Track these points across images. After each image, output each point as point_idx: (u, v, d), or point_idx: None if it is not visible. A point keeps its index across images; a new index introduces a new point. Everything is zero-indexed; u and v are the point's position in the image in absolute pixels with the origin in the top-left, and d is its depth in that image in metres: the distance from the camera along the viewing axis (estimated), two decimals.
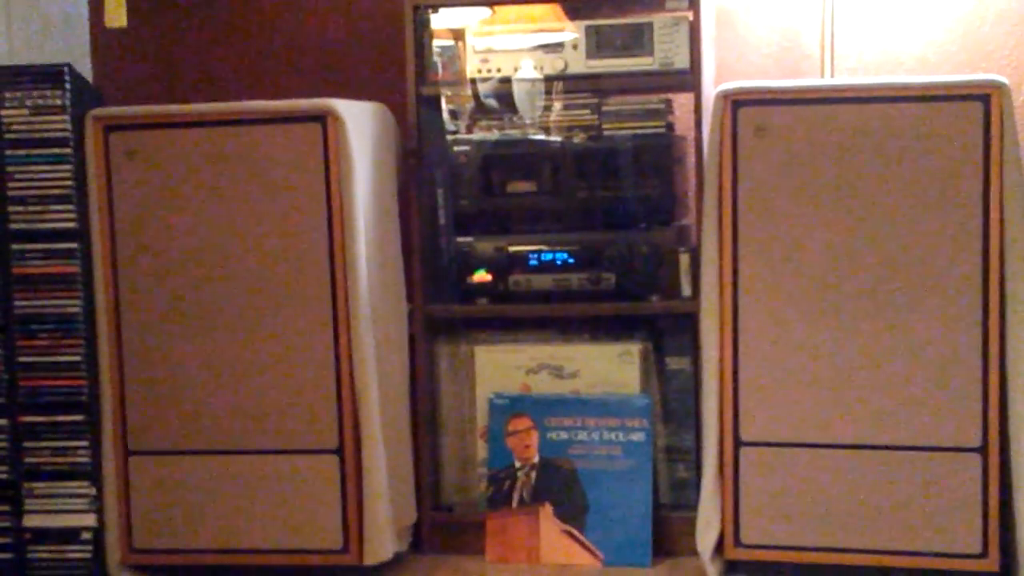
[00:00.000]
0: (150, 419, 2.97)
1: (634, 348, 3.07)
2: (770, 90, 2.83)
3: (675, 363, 3.08)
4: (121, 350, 2.96)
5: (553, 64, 3.10)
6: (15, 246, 2.93)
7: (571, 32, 3.09)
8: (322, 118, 2.87)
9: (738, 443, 2.85)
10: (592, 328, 3.14)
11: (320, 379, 2.91)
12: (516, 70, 3.11)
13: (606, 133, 3.14)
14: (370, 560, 2.92)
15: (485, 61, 3.13)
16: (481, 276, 3.11)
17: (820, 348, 2.80)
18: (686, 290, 3.03)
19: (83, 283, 2.93)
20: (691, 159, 3.14)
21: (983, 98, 2.71)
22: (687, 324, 3.03)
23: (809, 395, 2.81)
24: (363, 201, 2.91)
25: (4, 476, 2.96)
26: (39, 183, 2.92)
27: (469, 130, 3.20)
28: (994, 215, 2.71)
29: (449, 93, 3.16)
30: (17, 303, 2.94)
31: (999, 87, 2.71)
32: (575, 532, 3.02)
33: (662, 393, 3.09)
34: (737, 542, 2.87)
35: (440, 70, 3.14)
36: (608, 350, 3.08)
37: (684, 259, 3.04)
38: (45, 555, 2.97)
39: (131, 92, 3.47)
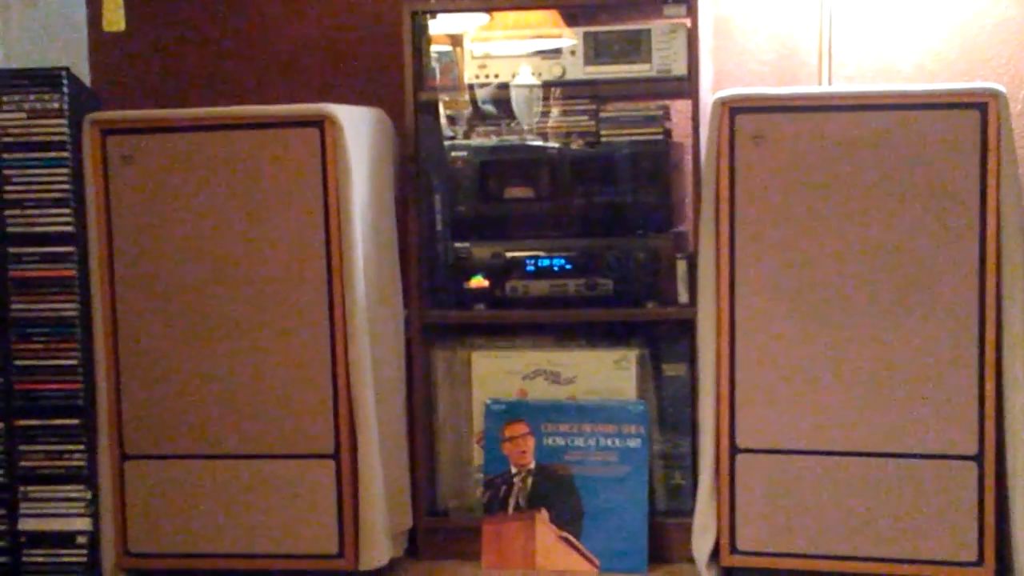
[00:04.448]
0: (146, 423, 2.96)
1: (631, 354, 3.07)
2: (768, 97, 2.83)
3: (672, 369, 3.08)
4: (117, 354, 2.96)
5: (551, 70, 3.10)
6: (12, 249, 2.93)
7: (569, 38, 3.09)
8: (320, 123, 2.87)
9: (734, 450, 2.85)
10: (589, 334, 3.14)
11: (317, 383, 2.91)
12: (514, 76, 3.11)
13: (604, 139, 3.14)
14: (366, 566, 2.92)
15: (483, 67, 3.13)
16: (478, 282, 3.11)
17: (816, 355, 2.80)
18: (683, 296, 3.03)
19: (80, 287, 2.93)
20: (688, 165, 3.14)
21: (980, 106, 2.71)
22: (684, 330, 3.02)
23: (805, 402, 2.81)
24: (360, 206, 2.91)
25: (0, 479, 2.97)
26: (36, 187, 2.92)
27: (467, 135, 3.20)
28: (991, 223, 2.71)
29: (447, 98, 3.16)
30: (14, 306, 2.94)
31: (996, 95, 2.71)
32: (571, 538, 3.01)
33: (658, 399, 3.09)
34: (733, 549, 2.87)
35: (438, 75, 3.14)
36: (605, 356, 3.08)
37: (681, 265, 3.04)
38: (40, 559, 2.97)
39: (129, 96, 3.47)
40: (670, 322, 3.06)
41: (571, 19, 3.13)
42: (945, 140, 2.72)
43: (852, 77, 3.28)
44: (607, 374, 3.07)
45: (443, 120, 3.17)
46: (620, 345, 3.10)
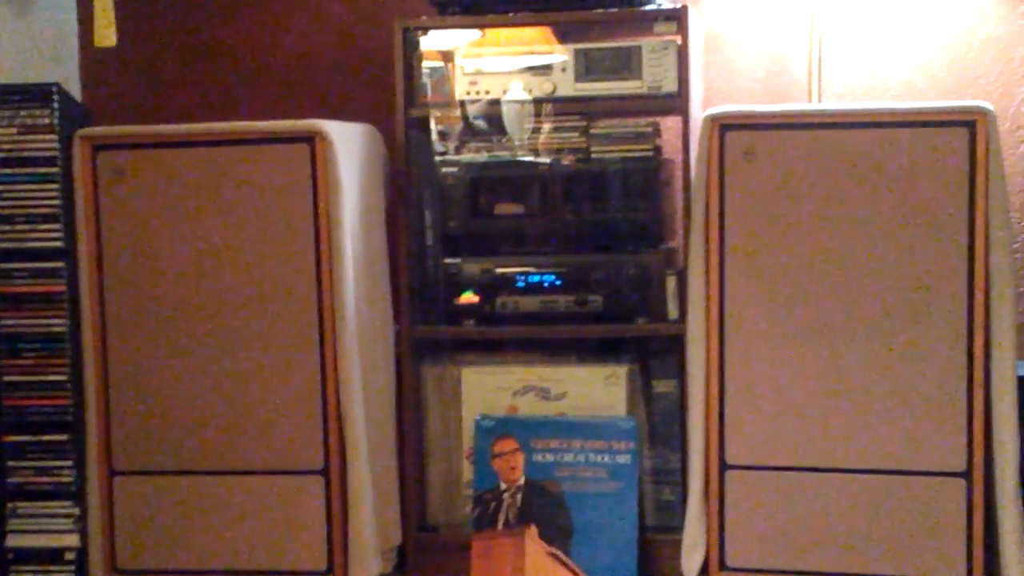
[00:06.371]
0: (135, 439, 2.96)
1: (620, 370, 3.07)
2: (758, 114, 2.84)
3: (661, 386, 3.08)
4: (107, 370, 2.95)
5: (542, 86, 3.10)
6: (1, 265, 2.93)
7: (560, 55, 3.10)
8: (311, 139, 2.87)
9: (724, 466, 2.85)
10: (579, 350, 3.14)
11: (306, 399, 2.91)
12: (505, 92, 3.12)
13: (594, 155, 3.14)
14: None
15: (474, 83, 3.14)
16: (468, 297, 3.11)
17: (806, 372, 2.80)
18: (673, 313, 3.04)
19: (69, 302, 2.93)
20: (678, 182, 3.14)
21: (969, 124, 2.72)
22: (674, 347, 3.03)
23: (795, 419, 2.81)
24: (351, 222, 2.91)
25: None
26: (26, 202, 2.92)
27: (458, 151, 3.20)
28: (979, 240, 2.72)
29: (438, 114, 3.16)
30: (3, 322, 2.93)
31: (985, 113, 2.72)
32: (560, 554, 3.01)
33: (648, 415, 3.09)
34: (722, 565, 2.87)
35: (429, 91, 3.14)
36: (594, 372, 3.08)
37: (671, 282, 3.04)
38: (28, 575, 2.96)
39: (120, 112, 3.46)
40: (660, 338, 3.06)
41: (562, 36, 3.14)
42: (934, 158, 2.73)
43: (842, 94, 3.29)
44: (597, 390, 3.07)
45: (434, 136, 3.18)
46: (610, 361, 3.10)
